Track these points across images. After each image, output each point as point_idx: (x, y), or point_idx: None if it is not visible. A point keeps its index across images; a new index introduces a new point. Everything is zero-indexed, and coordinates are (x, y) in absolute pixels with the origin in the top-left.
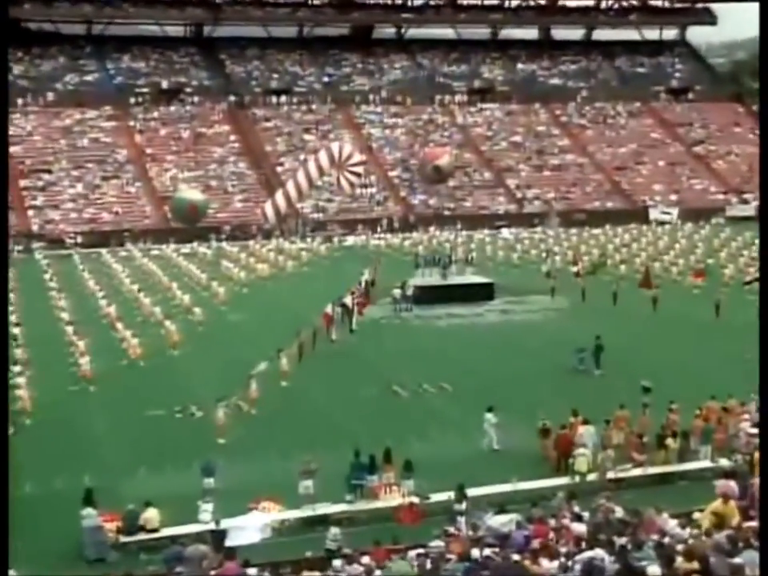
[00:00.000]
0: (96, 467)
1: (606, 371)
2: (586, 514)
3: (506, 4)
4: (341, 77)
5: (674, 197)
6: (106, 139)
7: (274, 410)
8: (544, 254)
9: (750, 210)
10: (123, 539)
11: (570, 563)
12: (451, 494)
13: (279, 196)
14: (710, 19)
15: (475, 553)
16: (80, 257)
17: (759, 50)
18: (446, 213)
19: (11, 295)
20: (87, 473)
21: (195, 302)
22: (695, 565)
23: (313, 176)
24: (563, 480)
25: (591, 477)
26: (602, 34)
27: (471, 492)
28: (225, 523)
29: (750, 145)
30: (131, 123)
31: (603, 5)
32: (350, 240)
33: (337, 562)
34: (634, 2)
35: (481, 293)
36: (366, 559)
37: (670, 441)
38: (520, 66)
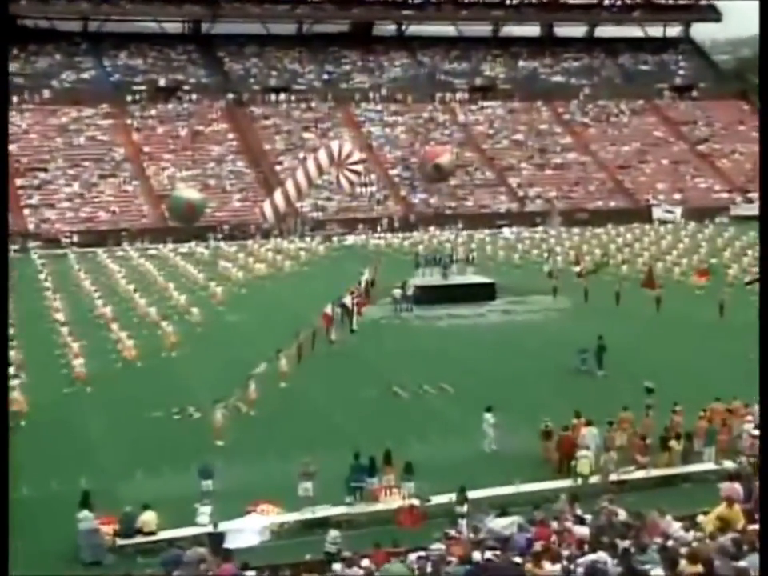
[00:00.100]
0: (93, 469)
1: (609, 372)
2: (588, 517)
3: (508, 1)
4: (340, 74)
5: (677, 196)
6: (103, 137)
7: (273, 411)
8: (546, 254)
9: (755, 209)
10: (120, 542)
11: (572, 566)
12: (452, 497)
13: (278, 195)
14: (714, 16)
15: (476, 556)
16: (76, 256)
17: (759, 50)
18: (447, 212)
19: None
20: (84, 475)
21: (193, 302)
22: (699, 568)
23: (312, 175)
24: (565, 482)
25: (594, 479)
26: (604, 31)
27: (472, 494)
28: (223, 526)
29: (755, 143)
30: (128, 121)
31: (606, 1)
32: (350, 239)
33: (336, 565)
34: None
35: (482, 293)
36: (365, 562)
37: (673, 442)
38: (522, 63)
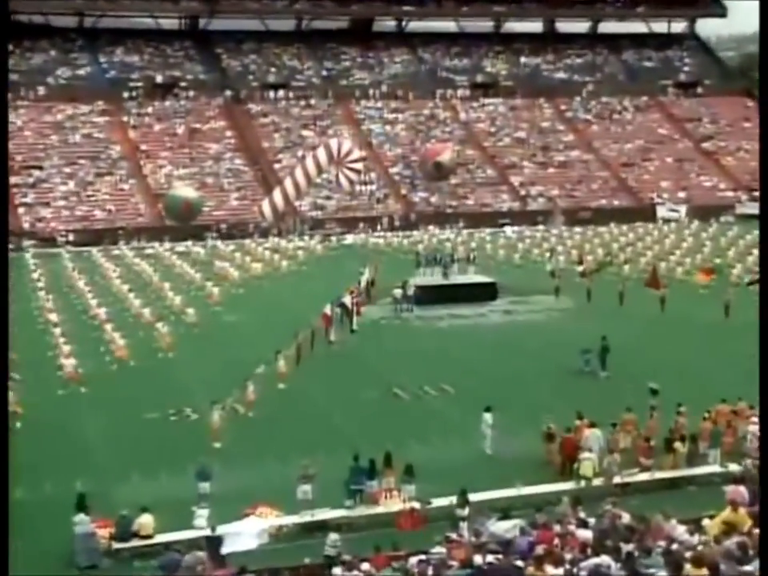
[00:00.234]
0: (88, 472)
1: (613, 373)
2: (591, 520)
3: None
4: (340, 71)
5: (682, 194)
6: (99, 135)
7: (272, 412)
8: (548, 253)
9: None
10: (116, 546)
11: (575, 570)
12: (453, 499)
13: (277, 193)
14: (719, 11)
15: (478, 559)
16: (71, 256)
17: (759, 49)
18: (448, 210)
19: None
20: (79, 477)
21: (189, 302)
22: (704, 572)
23: (311, 173)
24: (568, 485)
25: (597, 481)
26: (608, 27)
27: (474, 497)
28: (221, 529)
29: None
30: (125, 118)
31: None
32: (350, 238)
33: (336, 569)
34: None
35: (483, 293)
36: (365, 566)
37: (678, 445)
38: (524, 59)
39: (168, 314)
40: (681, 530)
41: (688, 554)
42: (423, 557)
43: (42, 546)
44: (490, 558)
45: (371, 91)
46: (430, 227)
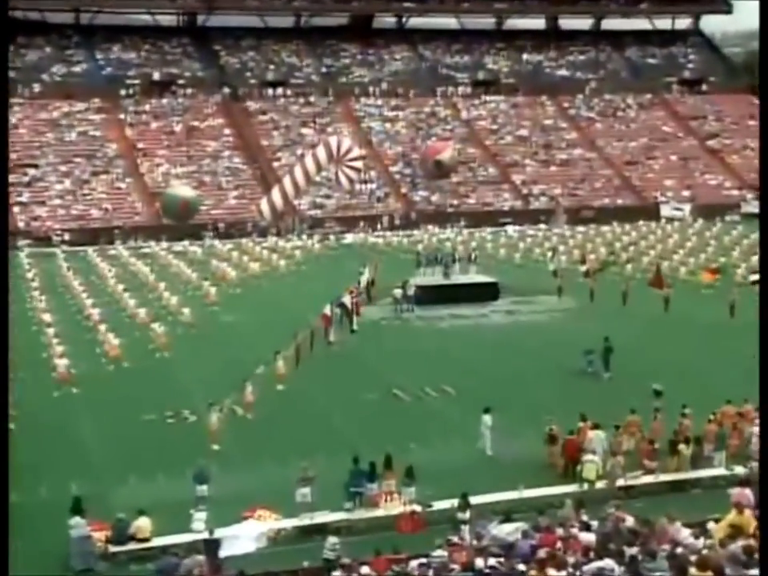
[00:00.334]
0: (84, 474)
1: (616, 374)
2: (594, 523)
3: None
4: (340, 68)
5: (686, 193)
6: (95, 133)
7: (270, 414)
8: (550, 253)
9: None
10: (113, 549)
11: (577, 574)
12: (454, 502)
13: (275, 192)
14: (724, 8)
15: (479, 563)
16: (66, 255)
17: (759, 49)
18: (449, 209)
19: None
20: (75, 480)
21: (186, 302)
22: None
23: (310, 171)
24: (571, 487)
25: (600, 484)
26: (611, 24)
27: (475, 500)
28: (219, 532)
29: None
30: (121, 116)
31: None
32: (349, 238)
33: (335, 573)
34: None
35: (485, 293)
36: (365, 569)
37: (682, 447)
38: (526, 56)
39: (165, 314)
40: (685, 534)
41: (693, 558)
42: (424, 560)
43: (36, 549)
44: (491, 561)
45: (371, 89)
46: (431, 226)
